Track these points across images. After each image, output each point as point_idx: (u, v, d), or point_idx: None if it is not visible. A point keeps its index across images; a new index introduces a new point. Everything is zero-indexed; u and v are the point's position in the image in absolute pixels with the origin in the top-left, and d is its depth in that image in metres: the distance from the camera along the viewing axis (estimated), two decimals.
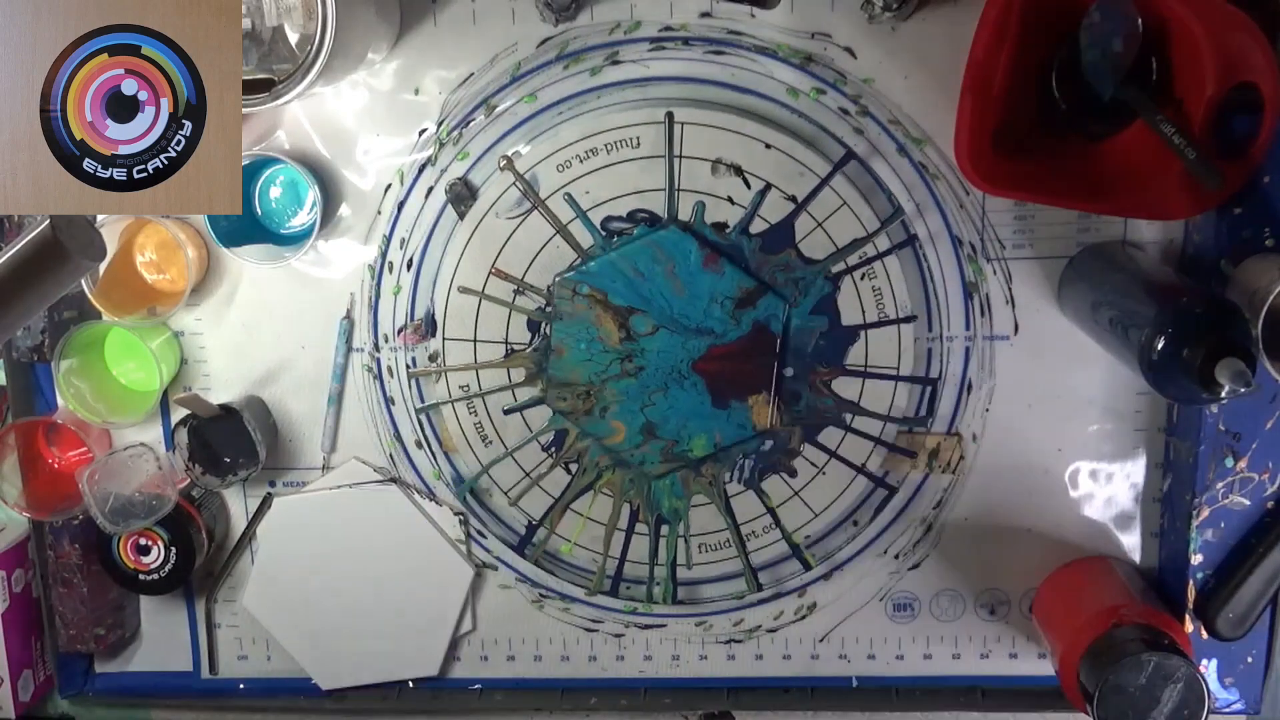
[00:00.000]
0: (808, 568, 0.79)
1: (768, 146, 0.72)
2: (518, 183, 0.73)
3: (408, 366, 0.78)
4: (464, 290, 0.76)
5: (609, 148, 0.73)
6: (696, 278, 0.73)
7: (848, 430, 0.77)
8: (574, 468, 0.79)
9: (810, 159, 0.72)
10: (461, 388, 0.78)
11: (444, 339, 0.77)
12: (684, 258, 0.73)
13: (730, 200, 0.73)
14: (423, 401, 0.78)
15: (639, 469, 0.77)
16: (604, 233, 0.74)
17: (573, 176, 0.73)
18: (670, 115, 0.72)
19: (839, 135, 0.73)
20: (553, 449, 0.78)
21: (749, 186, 0.73)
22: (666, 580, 0.80)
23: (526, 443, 0.78)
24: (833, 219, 0.73)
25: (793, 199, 0.73)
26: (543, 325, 0.76)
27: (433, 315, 0.77)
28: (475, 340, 0.77)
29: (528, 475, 0.79)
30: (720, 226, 0.74)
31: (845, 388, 0.76)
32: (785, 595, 0.80)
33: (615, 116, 0.72)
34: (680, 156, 0.72)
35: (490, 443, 0.78)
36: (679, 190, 0.73)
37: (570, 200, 0.74)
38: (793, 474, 0.78)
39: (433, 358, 0.77)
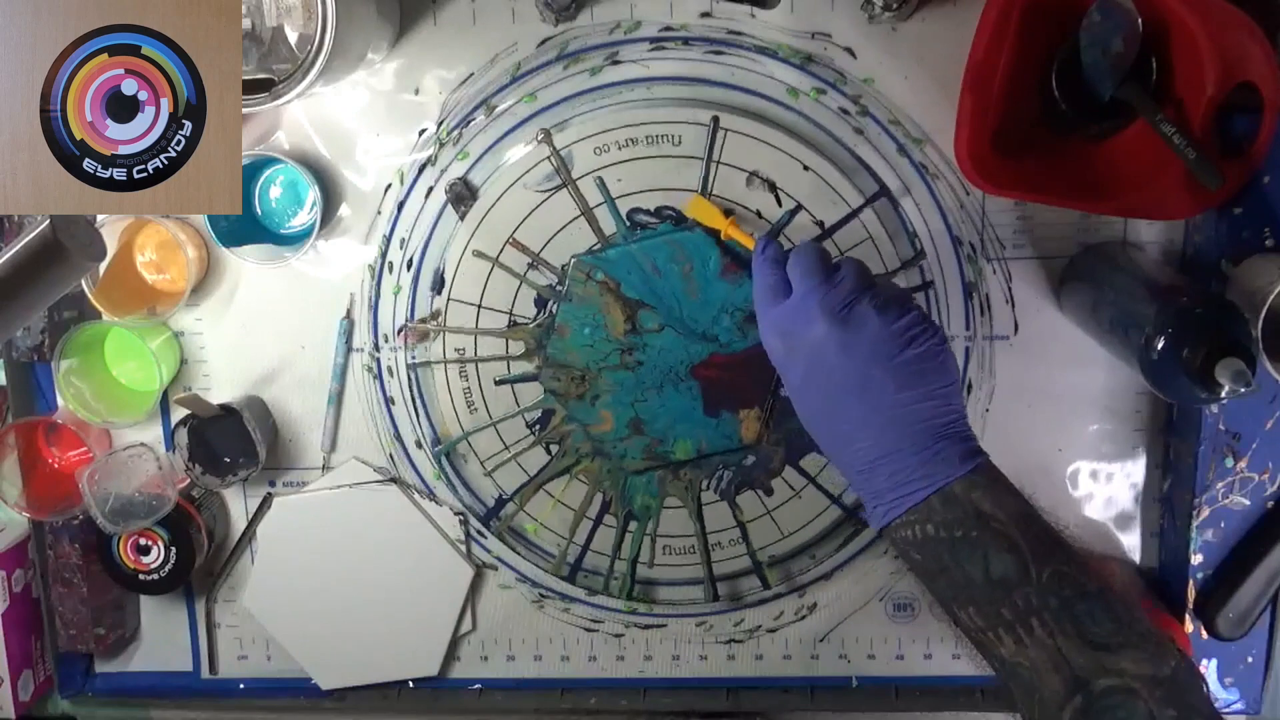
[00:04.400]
0: (767, 586, 0.79)
1: (805, 168, 0.72)
2: (552, 158, 0.73)
3: (408, 366, 0.78)
4: (478, 254, 0.75)
5: (649, 140, 0.72)
6: (712, 284, 0.73)
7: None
8: (554, 449, 0.78)
9: (845, 188, 0.72)
10: (457, 350, 0.77)
11: (449, 298, 0.76)
12: (703, 263, 0.73)
13: (759, 214, 0.73)
14: (414, 359, 0.78)
15: (618, 462, 0.77)
16: (629, 223, 0.74)
17: (608, 162, 0.73)
18: (716, 120, 0.71)
19: (847, 142, 0.72)
20: (537, 427, 0.78)
21: (780, 204, 0.72)
22: (625, 575, 0.79)
23: (512, 416, 0.77)
24: (855, 251, 0.73)
25: (820, 224, 0.72)
26: (550, 303, 0.75)
27: (442, 273, 0.76)
28: (480, 305, 0.76)
29: (507, 448, 0.78)
30: None
31: None
32: (785, 595, 0.80)
33: (662, 111, 0.72)
34: (718, 162, 0.72)
35: (475, 410, 0.78)
36: (711, 195, 0.73)
37: (601, 185, 0.73)
38: (769, 493, 0.77)
39: (435, 315, 0.77)
